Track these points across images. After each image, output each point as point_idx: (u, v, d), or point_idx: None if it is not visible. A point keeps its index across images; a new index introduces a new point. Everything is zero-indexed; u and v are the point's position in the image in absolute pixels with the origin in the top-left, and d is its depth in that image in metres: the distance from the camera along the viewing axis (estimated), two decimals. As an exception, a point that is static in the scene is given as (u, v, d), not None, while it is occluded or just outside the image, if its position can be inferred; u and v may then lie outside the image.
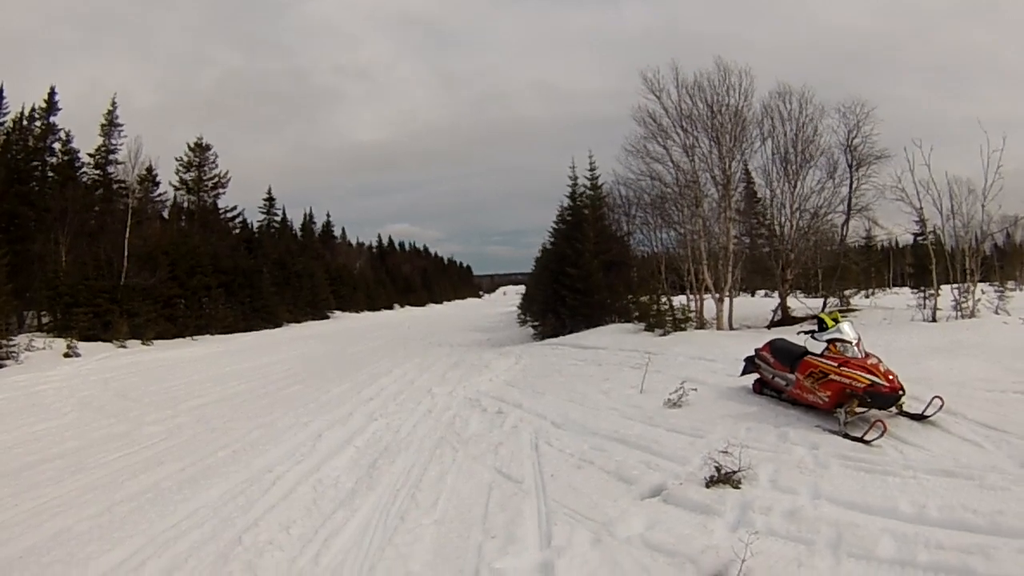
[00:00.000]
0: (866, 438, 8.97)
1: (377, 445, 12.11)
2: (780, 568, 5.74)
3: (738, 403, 11.98)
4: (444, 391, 17.58)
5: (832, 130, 26.03)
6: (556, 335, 30.25)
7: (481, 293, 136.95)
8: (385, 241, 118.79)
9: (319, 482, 9.95)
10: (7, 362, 25.02)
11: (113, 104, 45.08)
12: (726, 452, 8.27)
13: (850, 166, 25.69)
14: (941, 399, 9.65)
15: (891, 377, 9.78)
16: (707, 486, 7.73)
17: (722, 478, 7.78)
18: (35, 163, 41.79)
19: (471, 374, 20.75)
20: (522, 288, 61.45)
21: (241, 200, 68.48)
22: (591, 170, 36.56)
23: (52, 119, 42.55)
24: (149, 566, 7.06)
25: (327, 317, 64.43)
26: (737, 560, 5.66)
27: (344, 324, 60.14)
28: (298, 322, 56.69)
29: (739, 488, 7.61)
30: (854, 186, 25.66)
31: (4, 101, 41.36)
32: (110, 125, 45.02)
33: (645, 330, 25.47)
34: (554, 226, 38.48)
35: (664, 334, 24.09)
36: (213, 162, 55.41)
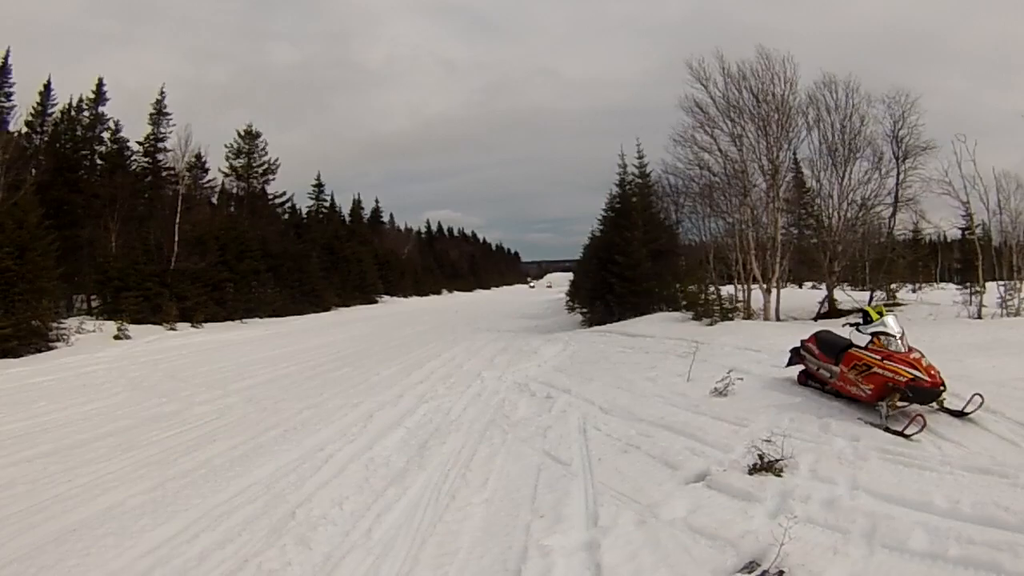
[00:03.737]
0: (906, 432, 8.90)
1: (427, 426, 12.26)
2: (816, 555, 5.74)
3: (782, 393, 11.91)
4: (493, 375, 17.71)
5: (878, 120, 25.64)
6: (604, 323, 30.13)
7: (529, 280, 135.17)
8: (434, 227, 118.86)
9: (371, 461, 10.11)
10: (57, 344, 25.48)
11: (161, 93, 46.24)
12: (769, 441, 8.27)
13: (896, 157, 25.29)
14: (981, 396, 9.51)
15: (933, 372, 9.67)
16: (749, 473, 7.73)
17: (764, 466, 7.78)
18: (84, 152, 42.99)
19: (520, 359, 20.89)
20: (569, 275, 60.84)
21: (287, 186, 68.39)
22: (639, 158, 36.39)
23: (101, 109, 43.83)
24: (202, 539, 7.23)
25: (375, 301, 64.88)
26: (775, 545, 5.68)
27: (392, 308, 60.64)
28: (346, 306, 57.04)
29: (780, 476, 7.59)
30: (901, 178, 25.28)
31: (52, 92, 42.65)
32: (159, 114, 46.16)
33: (693, 319, 25.34)
34: (603, 214, 38.11)
35: (711, 324, 23.90)
36: (263, 149, 56.00)
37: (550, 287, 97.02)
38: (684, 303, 27.97)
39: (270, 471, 9.77)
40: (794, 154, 27.27)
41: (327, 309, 52.63)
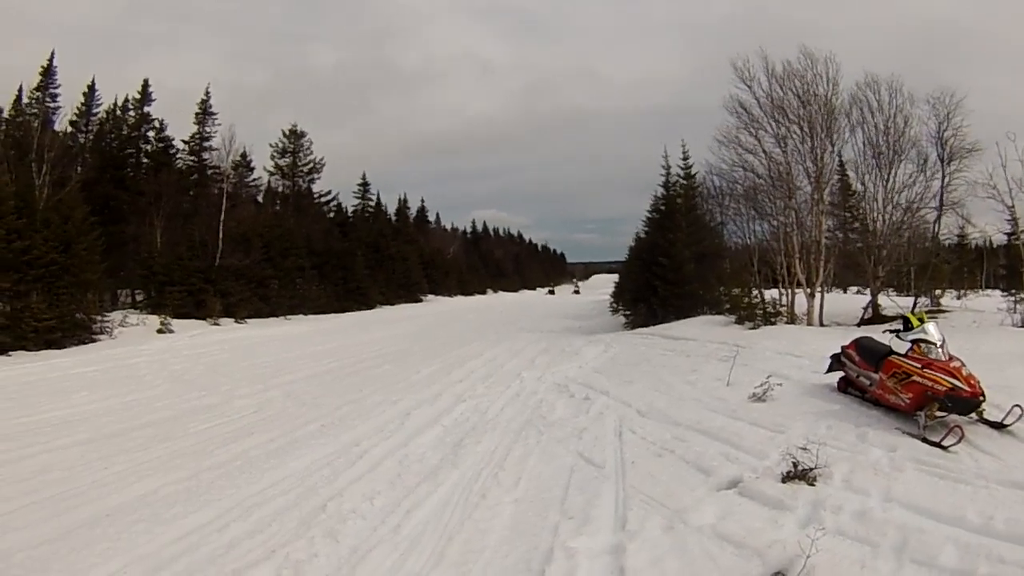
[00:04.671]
0: (943, 443, 8.68)
1: (464, 425, 12.34)
2: (843, 568, 5.68)
3: (821, 400, 11.72)
4: (533, 375, 17.74)
5: (922, 121, 25.13)
6: (647, 325, 29.87)
7: (575, 282, 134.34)
8: (479, 227, 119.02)
9: (405, 457, 10.21)
10: (101, 337, 25.92)
11: (206, 94, 47.08)
12: (805, 449, 8.14)
13: (941, 160, 24.68)
14: (1021, 408, 9.24)
15: (972, 382, 9.44)
16: (782, 481, 7.63)
17: (798, 474, 7.68)
18: (129, 151, 43.93)
19: (560, 360, 20.84)
20: (614, 277, 60.59)
21: (333, 185, 68.77)
22: (684, 159, 36.10)
23: (146, 109, 44.80)
24: (233, 528, 7.38)
25: (420, 300, 65.04)
26: (802, 556, 5.62)
27: (436, 307, 60.80)
28: (390, 304, 57.24)
29: (813, 485, 7.49)
30: (945, 181, 24.77)
31: (96, 93, 43.73)
32: (204, 114, 46.94)
33: (735, 323, 25.11)
34: (647, 215, 38.01)
35: (754, 328, 23.65)
36: (308, 148, 56.58)
37: (577, 292, 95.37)
38: (727, 306, 27.64)
39: (305, 464, 9.91)
40: (839, 156, 26.86)
41: (371, 307, 53.00)
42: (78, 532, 7.26)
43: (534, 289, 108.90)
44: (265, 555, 6.66)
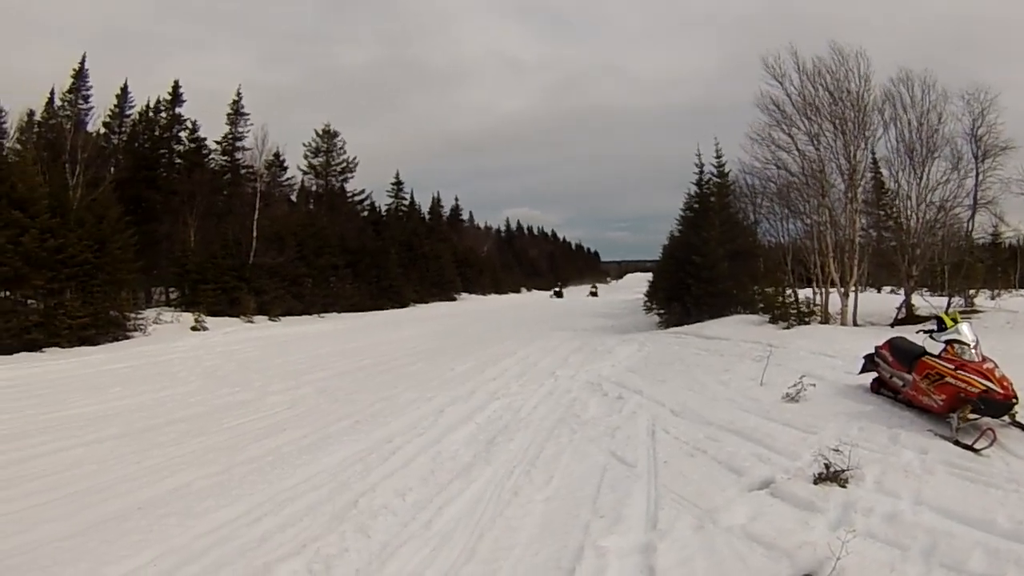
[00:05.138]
0: (975, 446, 8.56)
1: (497, 423, 12.33)
2: (872, 571, 5.62)
3: (854, 401, 11.62)
4: (566, 374, 17.69)
5: (956, 118, 24.75)
6: (681, 324, 29.70)
7: (608, 280, 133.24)
8: (513, 225, 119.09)
9: (438, 454, 10.22)
10: (135, 334, 26.36)
11: (238, 94, 47.90)
12: (837, 450, 8.09)
13: (975, 157, 24.33)
14: None
15: (1006, 384, 9.25)
16: (814, 483, 7.56)
17: (829, 476, 7.60)
18: (162, 151, 44.77)
19: (594, 359, 20.72)
20: (647, 276, 59.96)
21: (366, 184, 68.93)
22: (717, 157, 35.85)
23: (178, 110, 45.59)
24: (265, 522, 7.43)
25: (453, 299, 65.53)
26: (832, 559, 5.58)
27: (470, 305, 61.21)
28: (424, 303, 57.51)
29: (845, 487, 7.42)
30: (979, 179, 24.48)
31: (128, 95, 44.62)
32: (236, 114, 47.81)
33: (769, 322, 24.81)
34: (681, 213, 37.82)
35: (787, 327, 23.33)
36: (341, 148, 57.07)
37: (594, 294, 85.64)
38: (761, 306, 27.47)
39: (337, 460, 9.99)
40: (872, 153, 26.58)
41: (405, 305, 53.17)
42: (110, 524, 7.35)
43: (566, 287, 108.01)
44: (296, 549, 6.69)
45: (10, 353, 21.47)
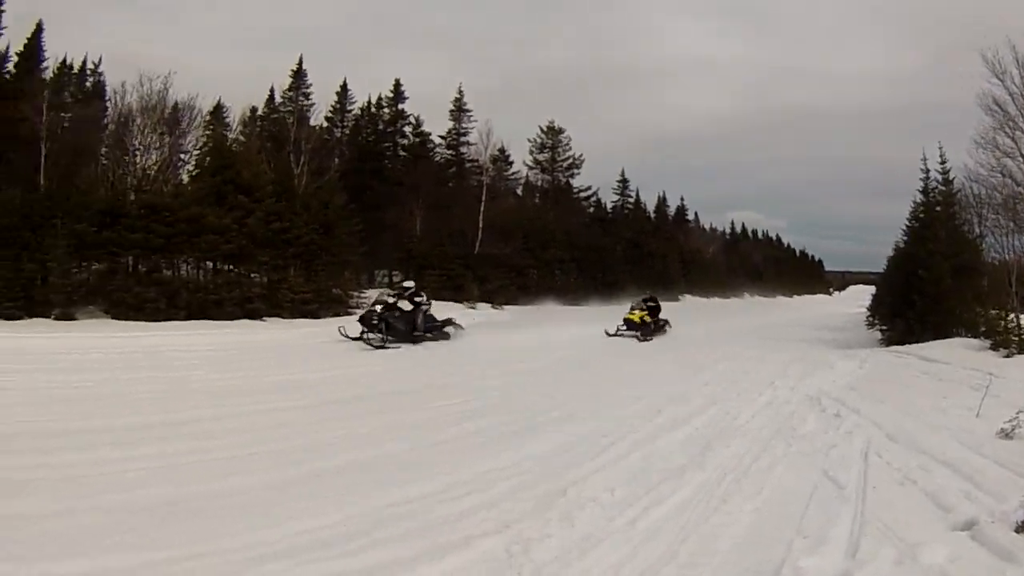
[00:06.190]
0: None
1: (713, 428, 12.02)
2: None
3: None
4: (785, 385, 17.19)
5: None
6: (903, 342, 28.18)
7: (831, 291, 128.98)
8: (737, 228, 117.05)
9: (651, 454, 10.04)
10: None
11: (460, 92, 51.42)
12: None
13: None
14: None
15: None
16: (1016, 531, 7.30)
17: None
18: (386, 144, 49.00)
19: (813, 372, 20.03)
20: (870, 288, 57.63)
21: (591, 181, 69.00)
22: (942, 163, 33.62)
23: (400, 106, 49.77)
24: (468, 499, 7.56)
25: (677, 300, 63.55)
26: None
27: (691, 306, 59.81)
28: None
29: None
30: None
31: (348, 92, 49.41)
32: (459, 110, 51.24)
33: (990, 348, 23.27)
34: (907, 224, 36.01)
35: (1008, 355, 21.88)
36: (566, 144, 58.15)
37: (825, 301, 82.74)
38: (983, 329, 25.47)
39: (546, 448, 10.12)
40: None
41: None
42: (304, 482, 7.88)
43: (791, 297, 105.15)
44: (497, 528, 6.71)
45: (233, 319, 24.63)
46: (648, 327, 29.85)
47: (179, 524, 6.57)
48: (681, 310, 48.46)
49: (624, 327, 29.32)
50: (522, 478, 8.55)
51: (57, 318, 23.19)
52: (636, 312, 30.24)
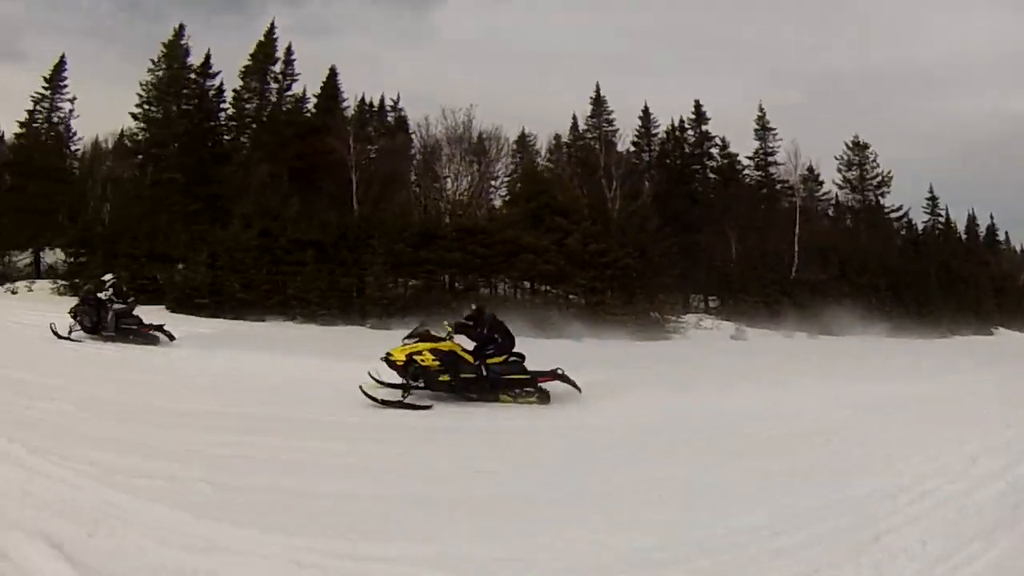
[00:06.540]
0: None
1: None
2: None
3: None
4: None
5: None
6: None
7: None
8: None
9: (964, 507, 9.43)
10: (673, 336, 28.10)
11: (761, 111, 51.47)
12: None
13: None
14: None
15: None
16: None
17: None
18: (694, 166, 50.30)
19: None
20: None
21: (899, 199, 65.94)
22: None
23: (704, 128, 50.88)
24: (777, 540, 7.70)
25: (991, 333, 57.42)
26: None
27: (1008, 344, 53.16)
28: (954, 335, 50.56)
29: None
30: None
31: (651, 116, 50.73)
32: (763, 129, 51.34)
33: None
34: None
35: None
36: (874, 160, 55.82)
37: None
38: None
39: (865, 491, 9.86)
40: None
41: (943, 336, 47.97)
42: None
43: None
44: (810, 571, 6.88)
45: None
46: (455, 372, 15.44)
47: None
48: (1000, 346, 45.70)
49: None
50: (837, 521, 8.54)
51: (372, 327, 25.95)
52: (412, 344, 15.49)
